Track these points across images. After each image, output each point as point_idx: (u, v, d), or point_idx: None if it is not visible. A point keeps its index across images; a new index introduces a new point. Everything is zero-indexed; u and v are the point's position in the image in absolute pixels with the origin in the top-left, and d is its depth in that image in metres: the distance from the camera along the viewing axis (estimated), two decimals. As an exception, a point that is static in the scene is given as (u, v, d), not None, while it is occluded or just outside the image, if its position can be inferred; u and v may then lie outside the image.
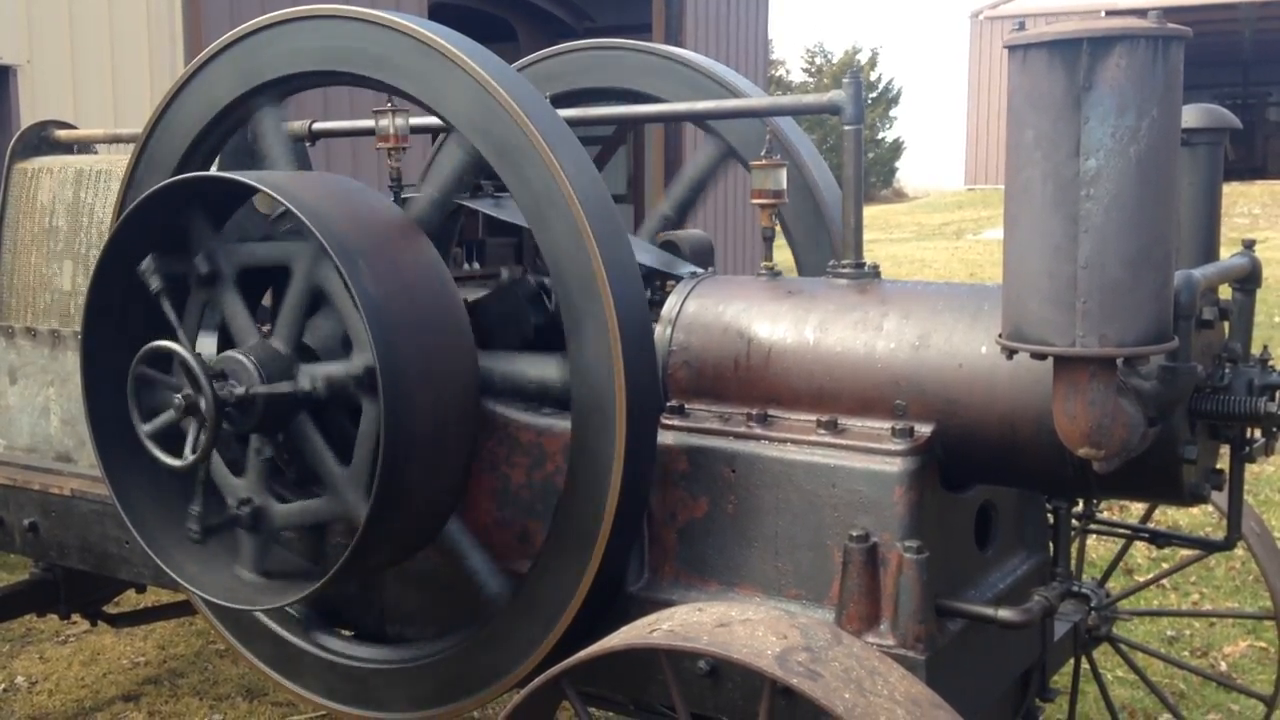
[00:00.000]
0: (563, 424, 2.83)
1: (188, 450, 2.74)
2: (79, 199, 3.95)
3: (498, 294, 3.21)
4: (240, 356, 2.72)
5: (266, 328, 2.92)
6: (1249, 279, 2.74)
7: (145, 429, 2.81)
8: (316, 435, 2.75)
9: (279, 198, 2.60)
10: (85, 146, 4.30)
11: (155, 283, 2.83)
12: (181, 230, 2.86)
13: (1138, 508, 5.11)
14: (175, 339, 2.78)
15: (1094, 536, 4.59)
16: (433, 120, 3.23)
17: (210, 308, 2.94)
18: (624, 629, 2.36)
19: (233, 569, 2.91)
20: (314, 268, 2.71)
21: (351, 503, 2.71)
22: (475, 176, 3.03)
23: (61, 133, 4.24)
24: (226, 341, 2.92)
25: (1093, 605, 3.65)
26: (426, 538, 2.90)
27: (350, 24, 2.87)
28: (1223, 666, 5.03)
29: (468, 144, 2.81)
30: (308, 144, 3.62)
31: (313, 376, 2.71)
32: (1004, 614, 2.56)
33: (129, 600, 5.24)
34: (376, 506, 2.58)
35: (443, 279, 2.79)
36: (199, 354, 2.73)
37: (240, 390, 2.67)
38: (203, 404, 2.68)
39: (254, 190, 2.77)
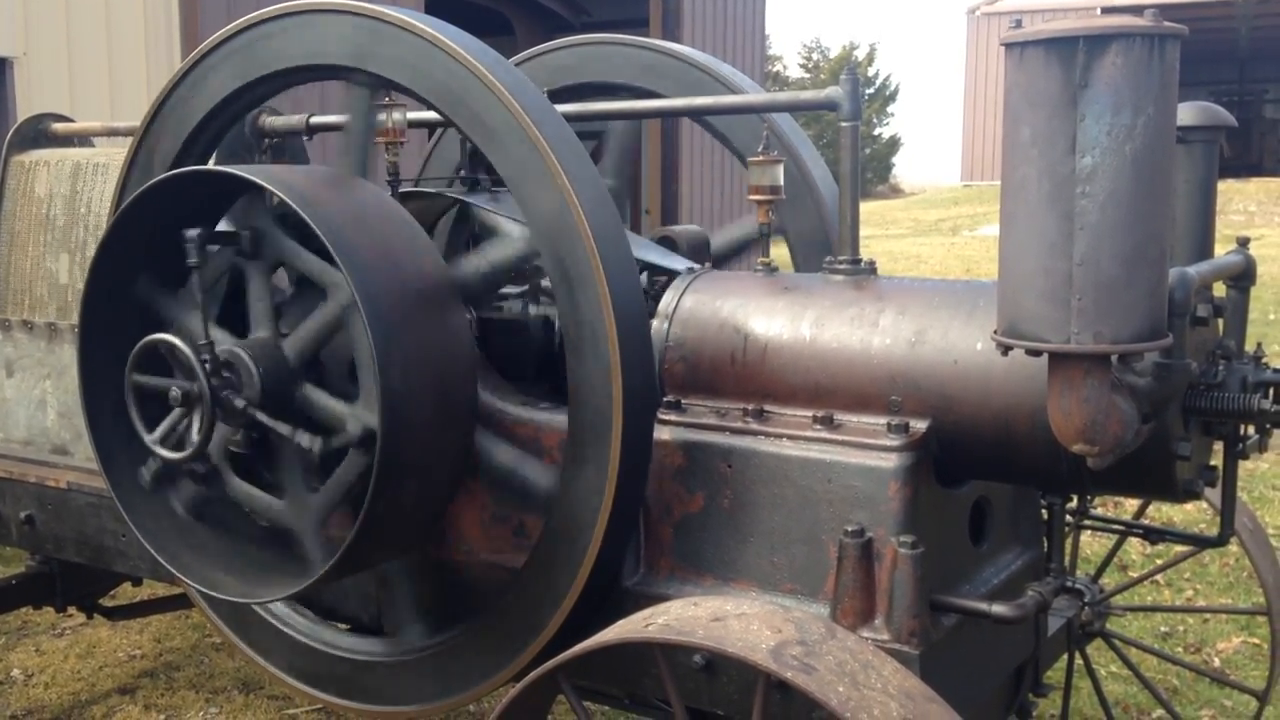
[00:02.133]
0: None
1: (159, 431, 2.74)
2: (76, 192, 3.94)
3: (507, 324, 3.20)
4: (247, 360, 2.71)
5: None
6: (1243, 276, 2.75)
7: (135, 378, 2.80)
8: (296, 460, 2.77)
9: (321, 234, 2.54)
10: (82, 140, 4.29)
11: (195, 257, 2.72)
12: (198, 212, 2.84)
13: (1131, 504, 5.12)
14: (174, 329, 2.78)
15: (1088, 532, 4.61)
16: (430, 115, 3.23)
17: (232, 281, 2.92)
18: (619, 623, 2.37)
19: (171, 505, 2.93)
20: (347, 311, 2.63)
21: (305, 529, 2.73)
22: (533, 264, 2.98)
23: (59, 126, 4.23)
24: (234, 318, 2.91)
25: (1086, 601, 3.66)
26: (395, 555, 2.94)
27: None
28: (1216, 662, 5.05)
29: (533, 230, 2.72)
30: (305, 138, 3.63)
31: (311, 437, 2.68)
32: (998, 609, 2.57)
33: (125, 593, 5.25)
34: (340, 561, 2.63)
35: (466, 357, 2.78)
36: (202, 344, 2.71)
37: (239, 404, 2.68)
38: (200, 408, 2.68)
39: (251, 186, 2.76)
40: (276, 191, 2.64)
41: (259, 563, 2.92)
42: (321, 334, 2.75)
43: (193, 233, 2.74)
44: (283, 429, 2.69)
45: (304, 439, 2.68)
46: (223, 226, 2.90)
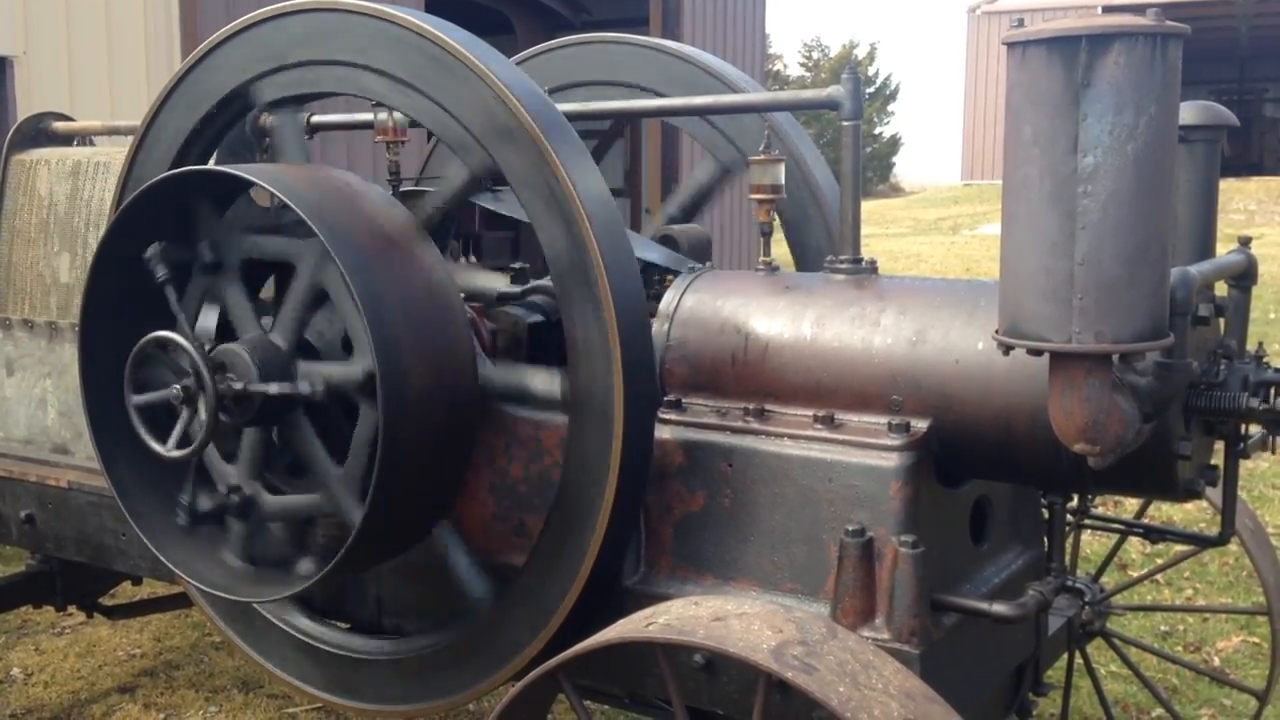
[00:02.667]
0: (560, 418, 2.84)
1: (173, 439, 2.75)
2: (77, 191, 3.94)
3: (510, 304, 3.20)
4: (240, 351, 2.72)
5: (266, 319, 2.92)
6: (1245, 276, 2.75)
7: (135, 400, 2.81)
8: (312, 433, 2.76)
9: (284, 197, 2.60)
10: (83, 139, 4.29)
11: (161, 271, 2.81)
12: (183, 220, 2.86)
13: (1132, 503, 5.12)
14: (174, 329, 2.78)
15: (1088, 531, 4.61)
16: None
17: (211, 296, 2.94)
18: (620, 622, 2.37)
19: (219, 554, 2.91)
20: (318, 268, 2.70)
21: (344, 502, 2.72)
22: (487, 182, 3.02)
23: (59, 125, 4.23)
24: (225, 330, 2.93)
25: (1087, 600, 3.67)
26: (419, 537, 2.91)
27: (350, 18, 2.86)
28: (1215, 661, 5.05)
29: (480, 151, 2.78)
30: (306, 137, 3.62)
31: (311, 380, 2.71)
32: (998, 608, 2.57)
33: (125, 592, 5.25)
34: (371, 512, 2.59)
35: (446, 285, 2.79)
36: (200, 344, 2.73)
37: (239, 386, 2.68)
38: (201, 397, 2.68)
39: (251, 184, 2.77)
40: (232, 172, 2.70)
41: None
42: (303, 305, 2.76)
43: (152, 250, 2.80)
44: (284, 387, 2.69)
45: (304, 385, 2.69)
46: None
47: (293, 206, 2.58)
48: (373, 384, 2.56)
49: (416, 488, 2.72)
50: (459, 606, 2.98)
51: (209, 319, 3.00)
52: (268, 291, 3.15)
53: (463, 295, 2.93)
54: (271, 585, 2.86)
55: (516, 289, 3.21)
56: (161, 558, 2.92)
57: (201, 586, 2.91)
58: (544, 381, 2.89)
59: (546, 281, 3.17)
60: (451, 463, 2.83)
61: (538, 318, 3.22)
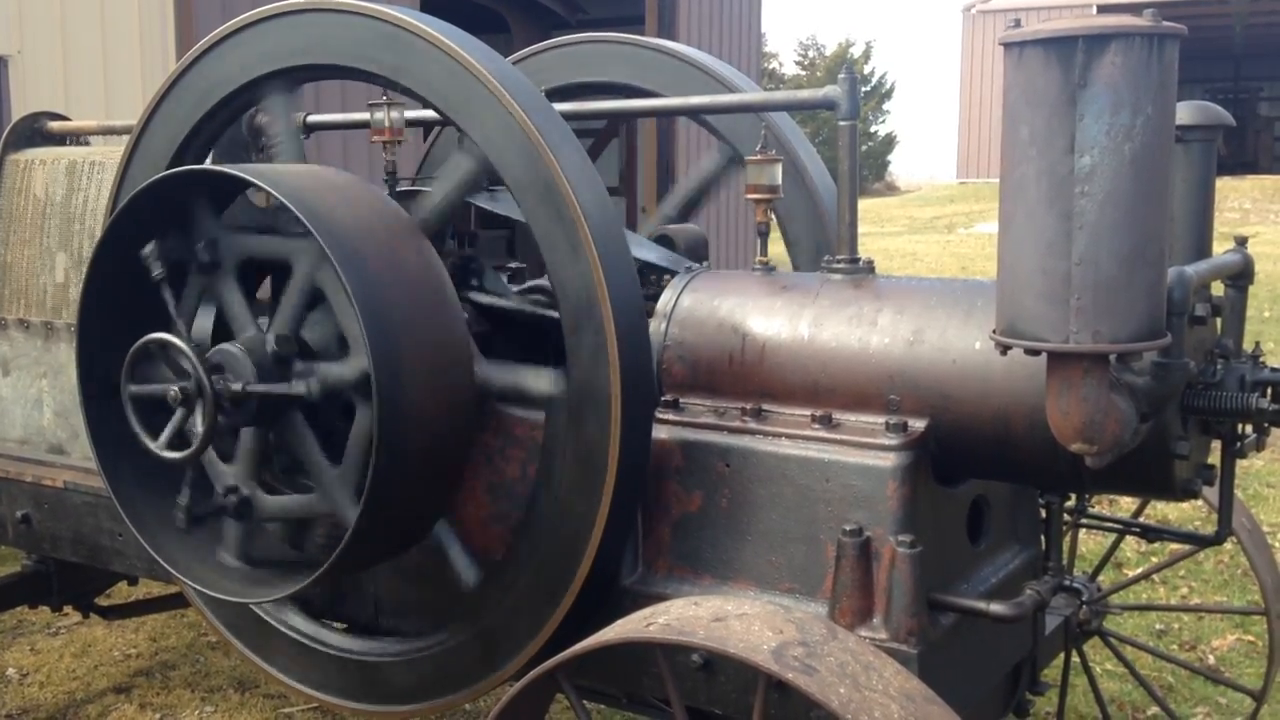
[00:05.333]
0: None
1: (164, 437, 2.75)
2: (72, 191, 3.94)
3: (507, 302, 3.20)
4: (236, 351, 2.72)
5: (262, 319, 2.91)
6: (1241, 275, 2.75)
7: (132, 389, 2.81)
8: (309, 433, 2.76)
9: (281, 197, 2.59)
10: (78, 138, 4.28)
11: (157, 269, 2.81)
12: (180, 219, 2.85)
13: (1129, 502, 5.13)
14: (171, 328, 2.78)
15: (1085, 531, 4.61)
16: (428, 114, 3.23)
17: (207, 295, 2.93)
18: (619, 622, 2.37)
19: (217, 555, 2.91)
20: (315, 268, 2.69)
21: (340, 502, 2.72)
22: (483, 183, 3.01)
23: (54, 124, 4.22)
24: (221, 328, 2.92)
25: (1083, 599, 3.66)
26: (416, 538, 2.90)
27: (350, 18, 2.86)
28: (1211, 660, 5.06)
29: (479, 152, 2.77)
30: (301, 137, 3.62)
31: (308, 380, 2.71)
32: (996, 608, 2.57)
33: (121, 592, 5.24)
34: (366, 512, 2.59)
35: (442, 284, 2.78)
36: (197, 347, 2.72)
37: (236, 387, 2.68)
38: (199, 401, 2.68)
39: (249, 184, 2.76)
40: (231, 172, 2.69)
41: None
42: (299, 304, 2.75)
43: (149, 248, 2.79)
44: (279, 387, 2.69)
45: (300, 386, 2.68)
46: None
47: (289, 206, 2.57)
48: (368, 384, 2.56)
49: (413, 487, 2.72)
50: (453, 596, 2.97)
51: (205, 319, 3.00)
52: (265, 291, 3.15)
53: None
54: (268, 586, 2.85)
55: (515, 289, 3.22)
56: (158, 557, 2.92)
57: (197, 587, 2.91)
58: (541, 381, 2.89)
59: (544, 281, 3.17)
60: (449, 462, 2.82)
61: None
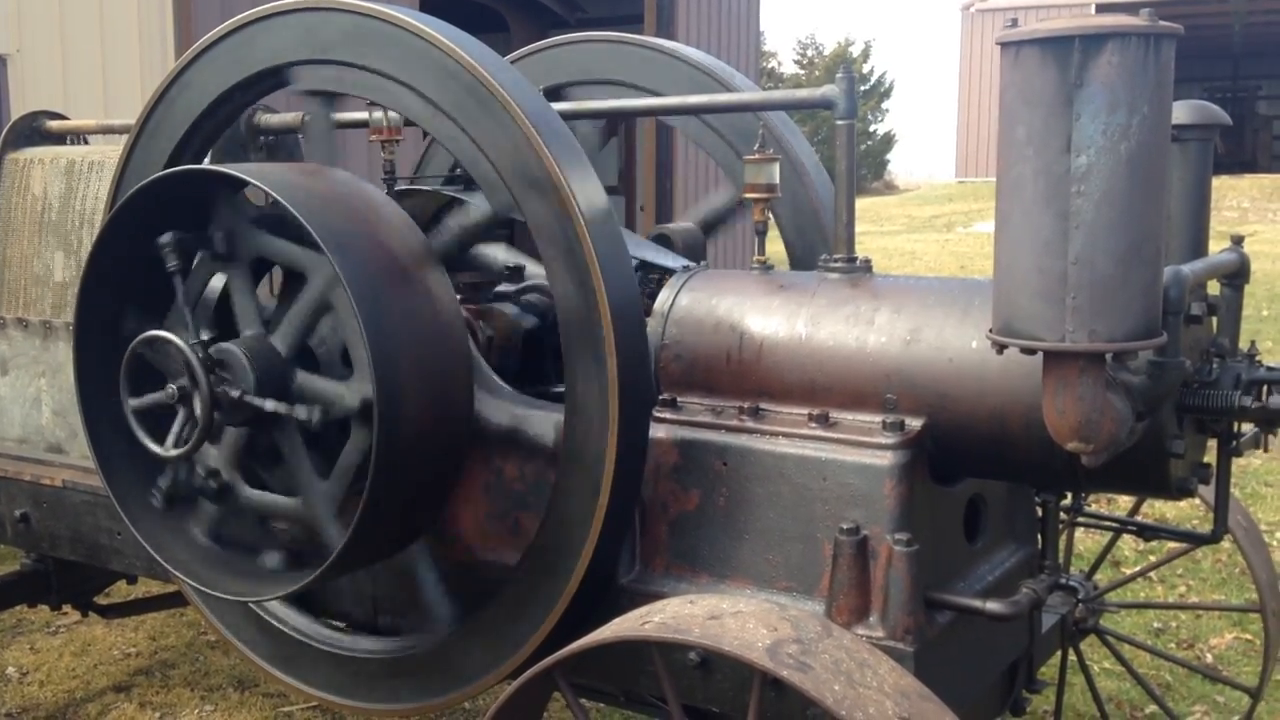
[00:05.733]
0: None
1: (170, 439, 2.75)
2: (71, 190, 3.94)
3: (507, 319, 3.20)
4: (240, 354, 2.71)
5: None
6: (1237, 274, 2.76)
7: (132, 404, 2.82)
8: (301, 445, 2.76)
9: (303, 220, 2.56)
10: (77, 137, 4.28)
11: (173, 261, 2.80)
12: (179, 218, 2.84)
13: (1126, 501, 5.14)
14: (169, 324, 2.78)
15: (1082, 529, 4.62)
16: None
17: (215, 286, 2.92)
18: (616, 621, 2.37)
19: (189, 531, 2.93)
20: (329, 286, 2.66)
21: (322, 516, 2.72)
22: (508, 222, 2.99)
23: (53, 123, 4.23)
24: (224, 319, 2.92)
25: (1080, 597, 3.67)
26: (394, 553, 2.93)
27: (348, 18, 2.86)
28: (1208, 658, 5.07)
29: (505, 192, 2.74)
30: (299, 136, 3.62)
31: (309, 407, 2.68)
32: (992, 606, 2.58)
33: (120, 591, 5.25)
34: (353, 538, 2.61)
35: (452, 320, 2.77)
36: (199, 342, 2.72)
37: (235, 394, 2.68)
38: (197, 398, 2.69)
39: (246, 184, 2.76)
40: (252, 180, 2.66)
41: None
42: (308, 317, 2.74)
43: (167, 237, 2.77)
44: (280, 407, 2.69)
45: (301, 411, 2.68)
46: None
47: (311, 232, 2.55)
48: (368, 412, 2.57)
49: (399, 515, 2.75)
50: (425, 624, 3.01)
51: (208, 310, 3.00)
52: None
53: (459, 298, 2.92)
54: (264, 585, 2.86)
55: (512, 288, 3.22)
56: (156, 556, 2.92)
57: (196, 585, 2.91)
58: (541, 426, 2.89)
59: (542, 280, 3.17)
60: (437, 492, 2.86)
61: (533, 320, 3.22)
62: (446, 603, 3.01)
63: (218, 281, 3.00)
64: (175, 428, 2.76)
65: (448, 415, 2.75)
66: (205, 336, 2.78)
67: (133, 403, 2.82)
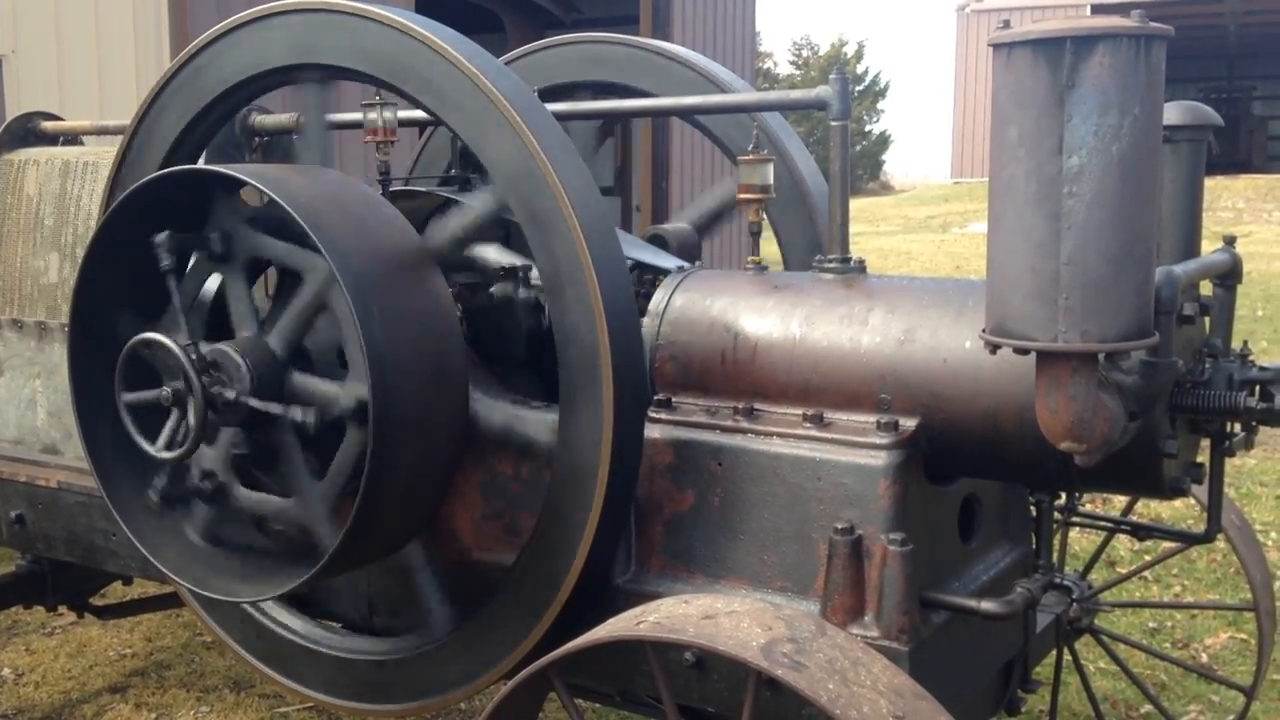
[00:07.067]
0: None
1: (161, 440, 2.75)
2: (66, 191, 3.94)
3: (495, 307, 3.20)
4: (235, 356, 2.71)
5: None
6: (1230, 274, 2.77)
7: (126, 398, 2.81)
8: (296, 447, 2.76)
9: (303, 222, 2.56)
10: (72, 138, 4.28)
11: (167, 260, 2.79)
12: (177, 217, 2.84)
13: (1120, 500, 5.15)
14: (164, 325, 2.78)
15: (1076, 529, 4.63)
16: (421, 114, 3.23)
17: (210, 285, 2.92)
18: (611, 621, 2.38)
19: (185, 532, 2.93)
20: (326, 287, 2.66)
21: (316, 517, 2.72)
22: (503, 224, 2.99)
23: (48, 124, 4.22)
24: (218, 320, 2.91)
25: (1075, 597, 3.69)
26: (390, 554, 2.94)
27: (344, 19, 2.86)
28: (1203, 658, 5.08)
29: (503, 196, 2.75)
30: (294, 136, 3.63)
31: (305, 408, 2.68)
32: (987, 606, 2.58)
33: (115, 592, 5.24)
34: (348, 539, 2.61)
35: (448, 319, 2.78)
36: (193, 344, 2.72)
37: (230, 395, 2.68)
38: (191, 401, 2.69)
39: (243, 183, 2.76)
40: (250, 180, 2.66)
41: (258, 561, 2.92)
42: (304, 318, 2.74)
43: (161, 236, 2.77)
44: (275, 409, 2.69)
45: (297, 413, 2.67)
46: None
47: (309, 232, 2.55)
48: (364, 413, 2.57)
49: (394, 516, 2.75)
50: (421, 625, 3.01)
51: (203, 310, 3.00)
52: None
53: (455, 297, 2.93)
54: (258, 585, 2.86)
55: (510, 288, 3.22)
56: (150, 557, 2.92)
57: (189, 585, 2.91)
58: (536, 426, 2.90)
59: (535, 277, 3.17)
60: (432, 492, 2.86)
61: (530, 319, 3.22)
62: (442, 603, 3.01)
63: (213, 283, 3.00)
64: (167, 429, 2.75)
65: (443, 416, 2.76)
66: (200, 338, 2.78)
67: (126, 396, 2.82)
